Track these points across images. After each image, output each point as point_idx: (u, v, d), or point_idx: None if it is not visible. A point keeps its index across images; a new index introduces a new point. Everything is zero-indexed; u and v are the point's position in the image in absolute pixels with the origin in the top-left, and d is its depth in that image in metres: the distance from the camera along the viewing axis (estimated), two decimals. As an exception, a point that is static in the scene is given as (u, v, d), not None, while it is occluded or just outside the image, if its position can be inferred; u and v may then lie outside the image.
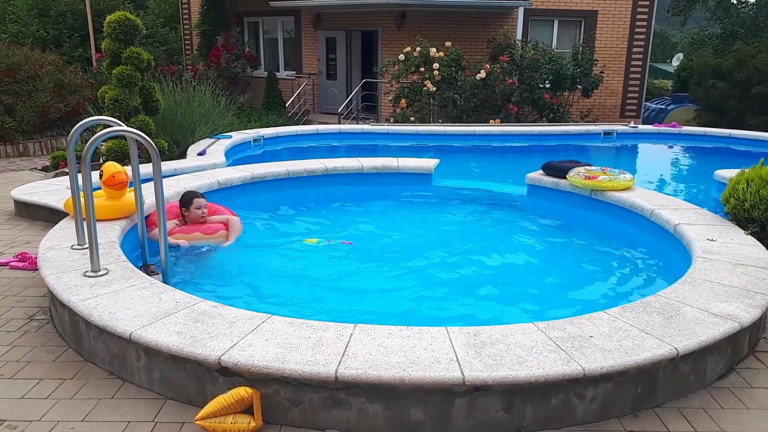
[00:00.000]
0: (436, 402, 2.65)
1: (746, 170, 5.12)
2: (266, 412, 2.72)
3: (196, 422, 2.62)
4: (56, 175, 8.16)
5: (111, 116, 8.35)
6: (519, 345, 2.86)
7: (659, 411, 2.92)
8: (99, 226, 4.51)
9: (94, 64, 16.24)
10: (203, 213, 5.21)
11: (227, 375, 2.74)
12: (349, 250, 5.24)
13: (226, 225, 5.27)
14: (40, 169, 9.17)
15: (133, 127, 8.15)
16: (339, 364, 2.65)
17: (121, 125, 3.87)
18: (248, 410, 2.66)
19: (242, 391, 2.64)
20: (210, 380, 2.79)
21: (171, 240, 4.82)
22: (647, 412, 2.91)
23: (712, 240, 4.48)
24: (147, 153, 8.56)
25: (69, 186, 6.01)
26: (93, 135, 8.77)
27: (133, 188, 4.40)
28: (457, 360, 2.71)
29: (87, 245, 3.83)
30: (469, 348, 2.82)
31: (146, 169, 6.83)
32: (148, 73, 8.82)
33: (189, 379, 2.85)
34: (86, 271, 3.65)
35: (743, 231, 4.76)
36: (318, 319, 3.10)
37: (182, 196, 5.30)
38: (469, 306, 4.17)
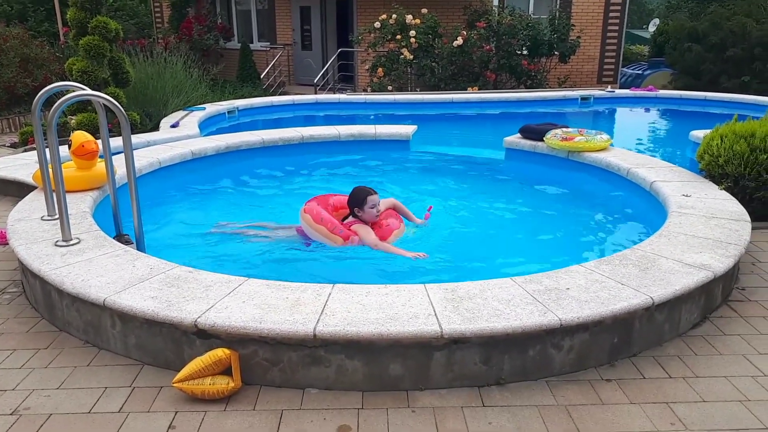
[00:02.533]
0: (414, 356, 2.66)
1: (720, 126, 5.16)
2: (245, 373, 2.71)
3: (174, 385, 2.60)
4: (25, 151, 7.96)
5: (80, 89, 8.20)
6: (496, 299, 2.86)
7: (635, 360, 2.96)
8: (70, 197, 4.43)
9: (62, 38, 15.82)
10: (378, 212, 4.43)
11: (204, 337, 2.72)
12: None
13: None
14: (8, 146, 8.94)
15: (103, 100, 8.09)
16: (317, 322, 2.64)
17: (86, 89, 3.76)
18: (227, 371, 2.65)
19: (220, 353, 2.62)
20: (187, 344, 2.77)
21: (336, 242, 4.27)
22: (624, 362, 2.95)
23: (686, 195, 4.52)
24: (118, 126, 8.42)
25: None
26: (67, 110, 8.53)
27: (103, 159, 4.30)
28: (435, 314, 2.71)
29: (57, 216, 3.74)
30: (447, 303, 2.82)
31: (118, 141, 6.75)
32: (117, 44, 8.59)
33: (166, 343, 2.82)
34: (57, 241, 3.58)
35: (717, 186, 4.81)
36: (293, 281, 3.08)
37: (353, 194, 4.46)
38: (448, 264, 4.18)
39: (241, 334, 2.64)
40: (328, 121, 10.55)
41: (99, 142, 4.55)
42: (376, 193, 4.43)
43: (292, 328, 2.60)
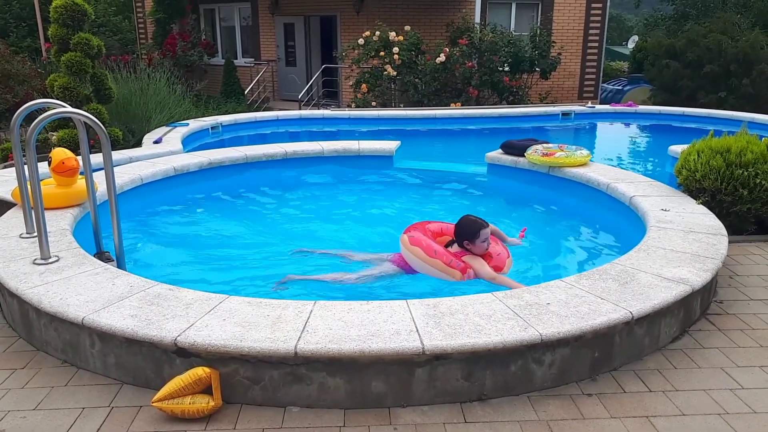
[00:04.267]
0: (396, 373, 2.66)
1: (697, 142, 5.25)
2: (226, 392, 2.68)
3: (153, 404, 2.57)
4: (5, 167, 7.88)
5: (61, 105, 8.15)
6: (478, 314, 2.88)
7: (616, 374, 2.98)
8: (50, 214, 4.40)
9: (44, 54, 15.73)
10: (488, 244, 4.16)
11: (184, 356, 2.70)
12: (309, 234, 5.20)
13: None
14: (-13, 163, 8.85)
15: (84, 116, 8.04)
16: (299, 339, 2.63)
17: (66, 107, 3.74)
18: (207, 390, 2.62)
19: (200, 371, 2.59)
20: (167, 362, 2.74)
21: (455, 276, 3.97)
22: (605, 376, 2.97)
23: (665, 210, 4.59)
24: (100, 142, 8.37)
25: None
26: (48, 126, 8.49)
27: (84, 175, 4.27)
28: (417, 330, 2.71)
29: (36, 233, 3.70)
30: (429, 319, 2.83)
31: (100, 158, 6.70)
32: (99, 61, 8.56)
33: (145, 362, 2.79)
34: (36, 259, 3.54)
35: (695, 201, 4.88)
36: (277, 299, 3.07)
37: (464, 226, 4.13)
38: (430, 282, 4.18)
39: (222, 353, 2.63)
40: (312, 137, 10.57)
41: (80, 158, 4.53)
42: (488, 225, 4.12)
43: (273, 346, 2.59)
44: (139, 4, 20.30)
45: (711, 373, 2.99)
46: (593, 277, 3.33)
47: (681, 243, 3.88)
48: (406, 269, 4.24)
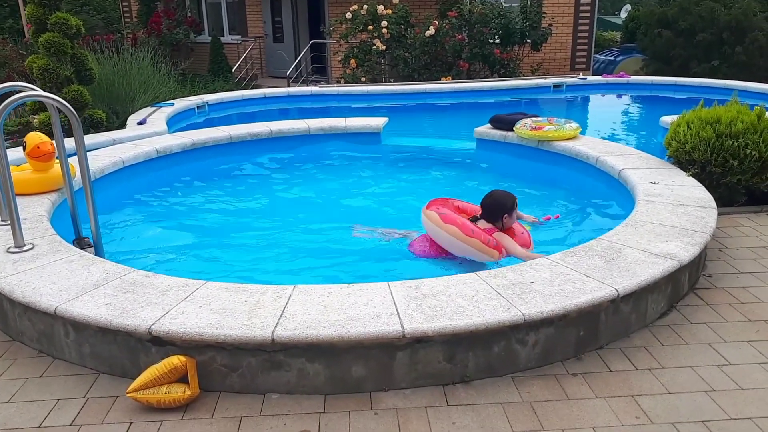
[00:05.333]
0: (377, 357, 2.60)
1: (687, 113, 5.16)
2: (203, 380, 2.63)
3: (128, 395, 2.51)
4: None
5: (42, 87, 7.97)
6: (460, 295, 2.82)
7: (602, 352, 2.94)
8: (27, 200, 4.32)
9: (26, 34, 15.41)
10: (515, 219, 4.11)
11: (159, 345, 2.63)
12: (287, 214, 5.12)
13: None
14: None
15: (65, 98, 7.87)
16: (276, 326, 2.57)
17: (36, 90, 3.62)
18: (183, 379, 2.56)
19: (175, 360, 2.53)
20: (143, 351, 2.68)
21: (493, 256, 3.80)
22: (590, 354, 2.92)
23: (654, 183, 4.52)
24: (88, 123, 8.22)
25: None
26: (29, 109, 8.24)
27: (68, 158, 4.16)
28: (398, 313, 2.65)
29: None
30: (410, 301, 2.76)
31: (87, 140, 6.57)
32: (80, 41, 8.36)
33: (121, 351, 2.73)
34: (9, 248, 3.45)
35: (685, 173, 4.81)
36: (259, 283, 3.00)
37: (500, 199, 4.01)
38: (417, 261, 4.12)
39: (197, 341, 2.56)
40: (300, 114, 10.43)
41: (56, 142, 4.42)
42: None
43: (250, 334, 2.53)
44: (123, -18, 19.90)
45: (698, 349, 2.95)
46: (579, 254, 3.27)
47: (669, 217, 3.82)
48: (427, 253, 4.06)
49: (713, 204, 4.08)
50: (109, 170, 5.39)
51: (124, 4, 20.21)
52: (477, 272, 3.06)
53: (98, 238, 3.74)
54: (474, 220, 4.11)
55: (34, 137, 4.43)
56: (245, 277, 3.82)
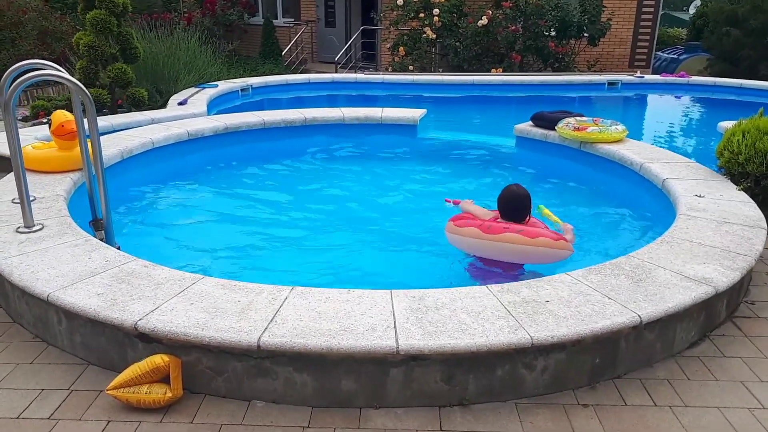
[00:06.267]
0: (369, 372, 2.44)
1: (743, 121, 4.76)
2: (189, 381, 2.52)
3: (108, 392, 2.43)
4: (34, 125, 7.92)
5: (87, 64, 8.08)
6: (465, 310, 2.61)
7: (619, 383, 2.69)
8: (49, 178, 4.32)
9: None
10: None
11: (146, 341, 2.54)
12: (313, 206, 4.98)
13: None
14: (20, 119, 8.91)
15: (109, 76, 7.96)
16: (264, 331, 2.43)
17: (53, 67, 3.57)
18: (166, 379, 2.46)
19: (158, 359, 2.43)
20: (130, 346, 2.59)
21: (568, 250, 3.54)
22: (606, 384, 2.68)
23: (700, 196, 4.18)
24: (130, 101, 8.30)
25: (37, 135, 5.80)
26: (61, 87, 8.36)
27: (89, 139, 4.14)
28: (395, 327, 2.48)
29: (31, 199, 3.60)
30: (411, 313, 2.58)
31: (112, 120, 6.62)
32: (126, 18, 8.42)
33: (109, 344, 2.65)
34: (19, 227, 3.43)
35: (736, 186, 4.44)
36: (263, 281, 2.88)
37: (526, 193, 3.73)
38: (436, 266, 3.93)
39: (183, 341, 2.45)
40: (343, 101, 10.30)
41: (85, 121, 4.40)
42: None
43: (235, 338, 2.40)
44: (182, -39, 20.10)
45: (729, 388, 2.66)
46: (604, 272, 3.02)
47: (711, 235, 3.50)
48: (485, 277, 3.72)
49: (764, 224, 3.72)
50: (137, 151, 5.38)
51: (184, -17, 20.46)
52: (489, 285, 2.84)
53: (108, 221, 3.67)
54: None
55: (59, 115, 4.42)
56: (250, 271, 3.71)
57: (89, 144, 3.88)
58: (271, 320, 2.51)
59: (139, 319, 2.51)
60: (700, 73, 13.77)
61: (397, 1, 12.89)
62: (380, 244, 4.28)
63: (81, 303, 2.64)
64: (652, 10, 15.37)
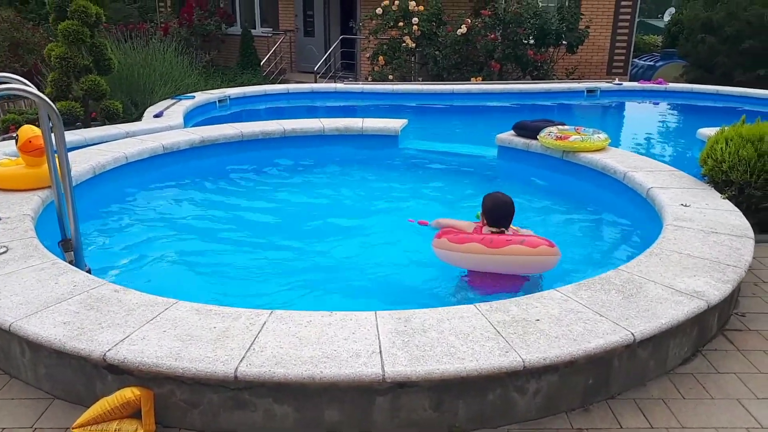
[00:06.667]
0: (354, 401, 2.32)
1: (726, 128, 4.74)
2: (162, 414, 2.38)
3: (74, 430, 2.27)
4: (4, 139, 7.68)
5: (59, 77, 7.87)
6: (454, 332, 2.51)
7: (613, 404, 2.60)
8: (15, 197, 4.14)
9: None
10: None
11: (116, 373, 2.39)
12: (293, 222, 4.84)
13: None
14: (-11, 134, 8.66)
15: (82, 88, 7.75)
16: (241, 360, 2.30)
17: (18, 80, 3.40)
18: (137, 414, 2.31)
19: (128, 393, 2.28)
20: (99, 378, 2.44)
21: (557, 257, 3.49)
22: (600, 405, 2.59)
23: (685, 205, 4.13)
24: (104, 114, 8.09)
25: (5, 151, 5.58)
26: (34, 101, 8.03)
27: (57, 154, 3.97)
28: (380, 352, 2.36)
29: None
30: (397, 337, 2.47)
31: (86, 134, 6.42)
32: (99, 29, 8.23)
33: (77, 376, 2.49)
34: (-18, 250, 3.26)
35: (720, 195, 4.40)
36: (240, 303, 2.74)
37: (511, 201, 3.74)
38: (419, 283, 3.82)
39: (155, 372, 2.31)
40: (325, 111, 10.18)
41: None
42: None
43: (211, 368, 2.26)
44: (158, -29, 19.91)
45: (725, 406, 2.58)
46: (594, 288, 2.93)
47: (700, 246, 3.44)
48: (488, 288, 3.65)
49: (750, 233, 3.68)
50: (110, 166, 5.20)
51: (160, -7, 20.25)
52: (477, 304, 2.74)
53: (78, 241, 3.51)
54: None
55: (26, 131, 4.25)
56: (227, 293, 3.56)
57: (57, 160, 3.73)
58: (249, 348, 2.37)
59: (108, 350, 2.36)
60: (676, 80, 13.89)
61: (376, 10, 12.84)
62: (363, 260, 4.15)
63: (46, 333, 2.48)
64: (628, 17, 15.50)
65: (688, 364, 2.89)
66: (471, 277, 3.77)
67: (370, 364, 2.28)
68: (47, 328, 2.51)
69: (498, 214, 3.69)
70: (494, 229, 3.71)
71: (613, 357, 2.56)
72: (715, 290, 2.92)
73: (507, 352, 2.38)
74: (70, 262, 3.49)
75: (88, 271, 3.48)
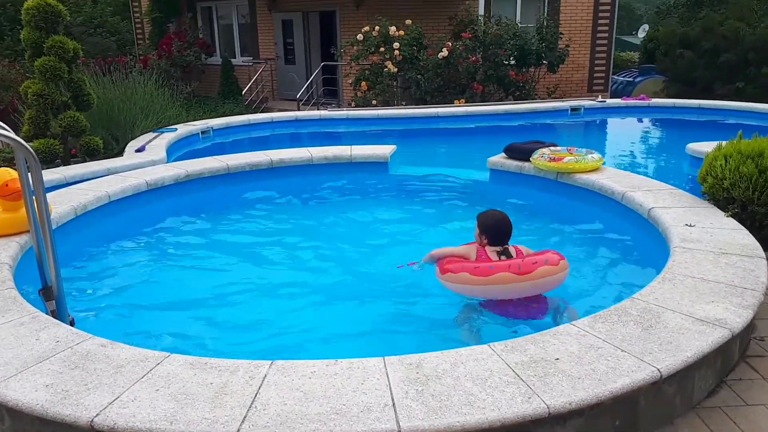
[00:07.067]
0: (367, 460, 2.13)
1: (723, 144, 4.67)
2: (157, 483, 2.17)
3: (60, 507, 2.06)
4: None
5: (36, 114, 7.66)
6: (470, 377, 2.34)
7: (641, 444, 2.44)
8: (-9, 244, 3.91)
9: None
10: None
11: (105, 439, 2.18)
12: (285, 259, 4.65)
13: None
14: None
15: (60, 125, 7.54)
16: (243, 421, 2.10)
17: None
18: (130, 485, 2.11)
19: (120, 463, 2.08)
20: (86, 446, 2.23)
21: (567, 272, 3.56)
22: (627, 447, 2.42)
23: (690, 225, 4.02)
24: (84, 150, 7.86)
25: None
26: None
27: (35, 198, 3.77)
28: (393, 405, 2.18)
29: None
30: (410, 386, 2.29)
31: (81, 169, 6.22)
32: (77, 65, 8.05)
33: (62, 444, 2.28)
34: (-45, 306, 3.04)
35: (723, 213, 4.31)
36: (236, 352, 2.56)
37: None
38: (421, 321, 3.64)
39: (148, 438, 2.11)
40: (310, 139, 10.06)
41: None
42: None
43: (210, 431, 2.06)
44: (136, 4, 19.85)
45: (759, 443, 2.44)
46: (611, 320, 2.78)
47: (713, 269, 3.32)
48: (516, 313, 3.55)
49: (761, 252, 3.57)
50: (92, 206, 5.00)
51: (137, 26, 20.16)
52: (491, 344, 2.58)
53: (60, 290, 3.29)
54: (504, 253, 3.69)
55: (3, 173, 4.04)
56: (222, 342, 3.35)
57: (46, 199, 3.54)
58: (250, 406, 2.18)
59: (96, 415, 2.16)
60: (655, 95, 14.03)
61: (357, 36, 12.83)
62: (362, 296, 3.97)
63: (26, 398, 2.27)
64: (606, 35, 15.68)
65: (714, 397, 2.74)
66: (489, 304, 3.63)
67: (384, 419, 2.10)
68: (28, 392, 2.30)
69: (500, 230, 3.69)
70: (498, 248, 3.68)
71: (639, 395, 2.40)
72: (737, 317, 2.79)
73: (530, 398, 2.21)
74: (52, 312, 3.28)
75: (72, 323, 3.28)
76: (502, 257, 3.63)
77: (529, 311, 3.53)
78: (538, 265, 3.43)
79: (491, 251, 3.67)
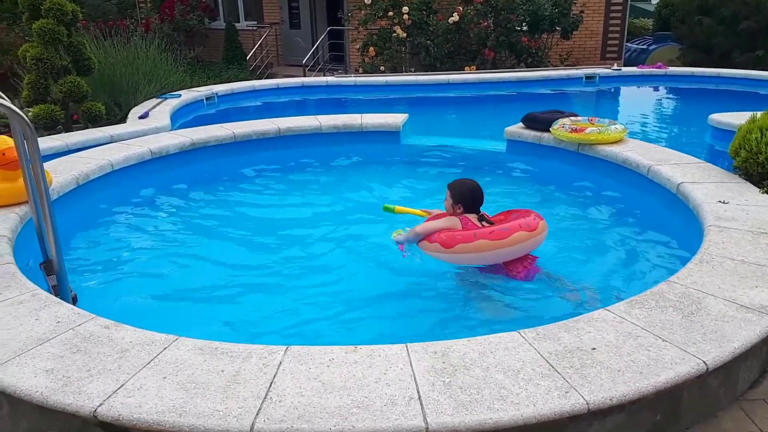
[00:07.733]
0: (391, 457, 1.97)
1: (758, 116, 4.42)
2: (166, 478, 2.02)
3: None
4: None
5: (36, 79, 7.41)
6: (501, 367, 2.17)
7: (682, 439, 2.28)
8: (-11, 215, 3.73)
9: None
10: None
11: (110, 431, 2.03)
12: (293, 236, 4.46)
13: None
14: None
15: (61, 90, 7.30)
16: (258, 413, 1.94)
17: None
18: (136, 482, 1.96)
19: (125, 458, 1.93)
20: (89, 437, 2.08)
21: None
22: (667, 442, 2.26)
23: (724, 202, 3.80)
24: (86, 117, 7.64)
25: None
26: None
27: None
28: (419, 398, 2.01)
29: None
30: (436, 376, 2.12)
31: (83, 136, 6.01)
32: (77, 28, 7.76)
33: (63, 434, 2.13)
34: (-50, 282, 2.87)
35: (758, 189, 4.09)
36: (248, 334, 2.39)
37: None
38: (440, 301, 3.46)
39: (155, 431, 1.95)
40: (317, 105, 9.80)
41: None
42: None
43: (222, 425, 1.90)
44: (137, -34, 19.31)
45: (809, 439, 2.27)
46: (648, 305, 2.60)
47: (752, 251, 3.12)
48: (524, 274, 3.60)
49: (802, 232, 3.37)
50: (95, 175, 4.80)
51: (139, -12, 19.66)
52: (522, 331, 2.40)
53: (61, 264, 3.12)
54: (482, 219, 3.73)
55: (0, 142, 3.84)
56: (233, 324, 3.17)
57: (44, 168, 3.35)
58: (265, 397, 2.02)
59: (99, 404, 2.00)
60: (672, 63, 13.61)
61: (365, 0, 12.43)
62: (377, 274, 3.78)
63: (25, 384, 2.11)
64: (621, 1, 15.19)
65: (758, 388, 2.57)
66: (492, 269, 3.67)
67: (410, 415, 1.94)
68: (27, 377, 2.15)
69: (475, 197, 3.74)
70: (474, 215, 3.71)
71: (683, 389, 2.23)
72: (783, 303, 2.60)
73: (567, 392, 2.04)
74: (54, 288, 3.12)
75: (74, 299, 3.12)
76: (483, 223, 3.64)
77: (527, 268, 3.60)
78: (539, 219, 3.56)
79: (474, 219, 3.68)
